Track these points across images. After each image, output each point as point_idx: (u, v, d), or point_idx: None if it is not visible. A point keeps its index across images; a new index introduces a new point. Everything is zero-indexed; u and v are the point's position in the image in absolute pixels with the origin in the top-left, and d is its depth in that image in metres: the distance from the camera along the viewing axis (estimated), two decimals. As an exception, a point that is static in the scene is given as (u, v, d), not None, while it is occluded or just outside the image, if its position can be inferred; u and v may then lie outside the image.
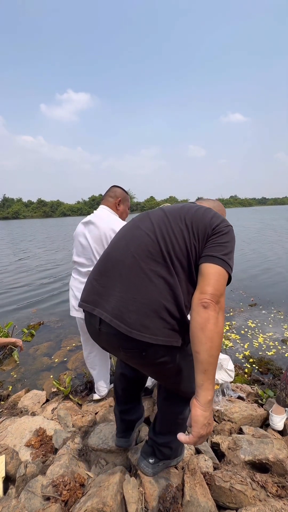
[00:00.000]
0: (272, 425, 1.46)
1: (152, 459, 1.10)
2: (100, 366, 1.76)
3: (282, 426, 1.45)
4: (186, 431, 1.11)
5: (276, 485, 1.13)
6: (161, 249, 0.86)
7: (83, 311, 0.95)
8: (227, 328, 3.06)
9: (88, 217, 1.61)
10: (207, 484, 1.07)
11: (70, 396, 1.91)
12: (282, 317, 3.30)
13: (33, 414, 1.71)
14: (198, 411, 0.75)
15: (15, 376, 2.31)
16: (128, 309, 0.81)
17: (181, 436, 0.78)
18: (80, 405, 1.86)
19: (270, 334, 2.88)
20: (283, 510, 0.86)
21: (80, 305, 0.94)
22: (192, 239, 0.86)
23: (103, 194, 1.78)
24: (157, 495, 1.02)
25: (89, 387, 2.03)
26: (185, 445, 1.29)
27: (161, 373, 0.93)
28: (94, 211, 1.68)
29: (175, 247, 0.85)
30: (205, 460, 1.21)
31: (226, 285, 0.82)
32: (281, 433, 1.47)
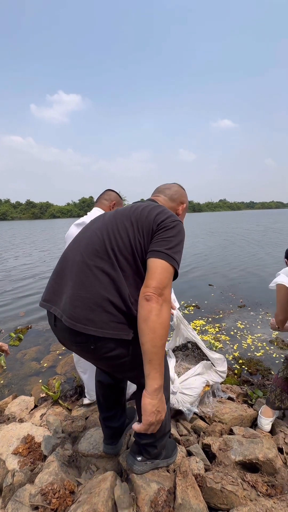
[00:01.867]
0: (260, 426, 1.48)
1: (139, 457, 1.11)
2: (91, 370, 1.73)
3: (270, 428, 1.47)
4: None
5: (266, 484, 1.15)
6: (105, 246, 0.89)
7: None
8: (217, 330, 3.09)
9: (82, 219, 1.59)
10: (199, 486, 1.07)
11: (60, 401, 1.87)
12: (269, 318, 3.37)
13: (21, 420, 1.66)
14: (146, 400, 0.78)
15: (1, 382, 2.24)
16: (74, 304, 0.84)
17: (134, 426, 0.81)
18: (70, 410, 1.83)
19: (259, 335, 2.94)
20: (273, 509, 0.87)
21: (40, 305, 0.97)
22: (136, 235, 0.89)
23: (96, 197, 1.78)
24: (149, 499, 1.01)
25: (79, 391, 2.00)
26: (178, 448, 1.29)
27: (117, 368, 0.94)
28: (88, 213, 1.67)
29: (119, 243, 0.89)
30: (197, 462, 1.21)
31: (172, 278, 0.85)
32: (271, 431, 1.49)
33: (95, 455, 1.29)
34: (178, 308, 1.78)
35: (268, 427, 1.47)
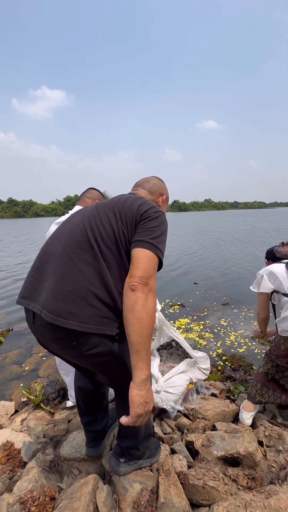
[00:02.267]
0: (242, 421, 1.51)
1: (122, 459, 1.10)
2: (73, 372, 1.70)
3: (251, 422, 1.51)
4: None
5: (246, 477, 1.17)
6: (88, 238, 0.87)
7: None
8: (201, 327, 3.14)
9: (63, 217, 1.55)
10: (181, 483, 1.07)
11: (42, 405, 1.82)
12: (252, 315, 3.47)
13: (0, 427, 1.60)
14: (134, 391, 0.77)
15: (-20, 387, 2.14)
16: (56, 298, 0.81)
17: (122, 420, 0.79)
18: (52, 414, 1.78)
19: (241, 331, 3.01)
20: (252, 502, 0.89)
21: (17, 302, 0.93)
22: (120, 225, 0.88)
23: (79, 195, 1.74)
24: (132, 500, 1.00)
25: (62, 394, 1.95)
26: (161, 447, 1.29)
27: (100, 366, 0.91)
28: (69, 211, 1.63)
29: (102, 234, 0.87)
30: (180, 460, 1.21)
31: (156, 268, 0.84)
32: (252, 425, 1.53)
33: (77, 458, 1.27)
34: (160, 310, 1.78)
35: (249, 421, 1.51)
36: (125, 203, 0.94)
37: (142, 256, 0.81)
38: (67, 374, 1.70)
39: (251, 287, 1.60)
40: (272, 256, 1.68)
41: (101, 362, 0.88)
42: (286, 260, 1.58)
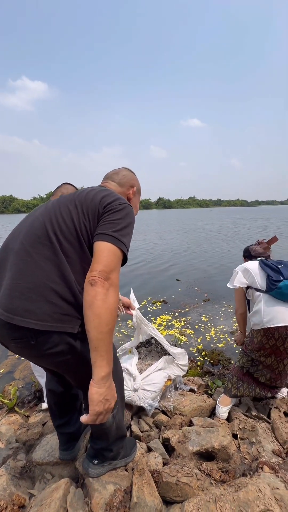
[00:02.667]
0: (218, 415, 1.54)
1: (95, 460, 1.07)
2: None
3: (226, 416, 1.54)
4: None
5: (220, 470, 1.19)
6: (47, 232, 0.84)
7: None
8: (182, 324, 3.17)
9: None
10: (155, 481, 1.07)
11: (16, 408, 1.75)
12: (231, 310, 3.55)
13: None
14: (93, 389, 0.75)
15: None
16: (12, 296, 0.78)
17: (82, 418, 0.77)
18: (27, 417, 1.72)
19: (221, 327, 3.08)
20: (222, 496, 0.90)
21: None
22: (81, 218, 0.85)
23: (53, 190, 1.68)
24: (104, 502, 0.98)
25: (38, 396, 1.89)
26: (137, 445, 1.28)
27: (63, 366, 0.88)
28: None
29: (62, 227, 0.84)
30: (155, 458, 1.21)
31: (119, 262, 0.81)
32: (228, 419, 1.56)
33: (50, 462, 1.23)
34: (138, 309, 1.76)
35: (225, 415, 1.54)
36: (88, 195, 0.90)
37: (103, 250, 0.78)
38: (42, 376, 1.64)
39: (228, 284, 1.64)
40: (248, 255, 1.74)
41: (63, 361, 0.84)
42: (260, 258, 1.63)
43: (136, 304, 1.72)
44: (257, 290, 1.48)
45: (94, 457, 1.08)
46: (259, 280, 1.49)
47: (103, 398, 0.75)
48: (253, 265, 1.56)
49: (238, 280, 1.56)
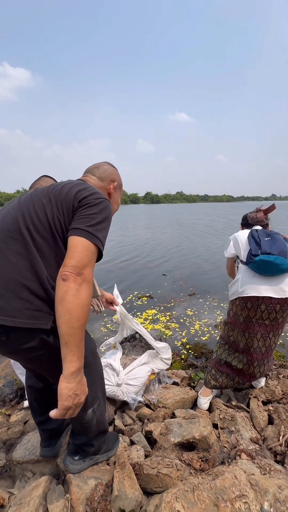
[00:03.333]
0: (199, 406, 1.58)
1: (76, 456, 1.07)
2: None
3: (207, 406, 1.58)
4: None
5: (200, 460, 1.23)
6: (19, 226, 0.82)
7: None
8: (168, 318, 3.20)
9: None
10: (136, 474, 1.08)
11: (-4, 407, 1.71)
12: (216, 304, 3.63)
13: None
14: (62, 384, 0.75)
15: None
16: None
17: (51, 413, 0.77)
18: (8, 416, 1.69)
19: (206, 320, 3.14)
20: (199, 485, 0.92)
21: None
22: (55, 212, 0.83)
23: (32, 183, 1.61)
24: (85, 497, 0.98)
25: (20, 394, 1.86)
26: (120, 439, 1.29)
27: (35, 361, 0.88)
28: None
29: (34, 221, 0.82)
30: (137, 451, 1.22)
31: (94, 258, 0.81)
32: (209, 409, 1.60)
33: (31, 460, 1.21)
34: (123, 304, 1.75)
35: (206, 405, 1.58)
36: (63, 189, 0.88)
37: (76, 245, 0.77)
38: (24, 373, 1.61)
39: (225, 253, 1.66)
40: (246, 222, 1.71)
41: (36, 357, 0.84)
42: (257, 227, 1.62)
43: (119, 300, 1.71)
44: (241, 261, 1.50)
45: (75, 453, 1.08)
46: (243, 252, 1.50)
47: (72, 393, 0.75)
48: (243, 235, 1.55)
49: (228, 252, 1.60)
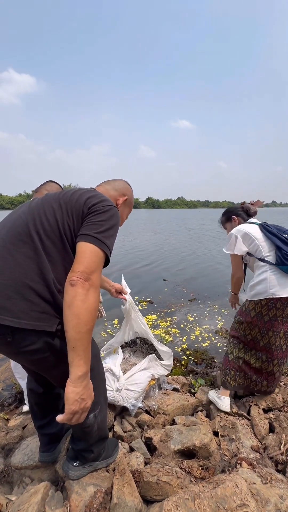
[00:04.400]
0: (223, 407, 1.54)
1: (76, 462, 1.06)
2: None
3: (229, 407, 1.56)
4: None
5: (200, 468, 1.21)
6: (29, 230, 0.84)
7: None
8: (168, 323, 3.19)
9: None
10: (136, 481, 1.07)
11: (-5, 411, 1.70)
12: (216, 310, 3.62)
13: None
14: (69, 388, 0.75)
15: None
16: None
17: (58, 417, 0.78)
18: (7, 420, 1.67)
19: (206, 326, 3.13)
20: (200, 493, 0.91)
21: None
22: (65, 218, 0.85)
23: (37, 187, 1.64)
24: (84, 504, 0.97)
25: (19, 398, 1.84)
26: (119, 445, 1.27)
27: (39, 364, 0.88)
28: None
29: (45, 226, 0.84)
30: (137, 457, 1.21)
31: (101, 263, 0.82)
32: (209, 416, 1.59)
33: (29, 466, 1.20)
34: (130, 293, 1.79)
35: (229, 407, 1.54)
36: (73, 195, 0.90)
37: (85, 251, 0.79)
38: (23, 378, 1.60)
39: (224, 249, 1.58)
40: (243, 214, 1.64)
41: (40, 359, 0.84)
42: (256, 221, 1.58)
43: (127, 289, 1.77)
44: (262, 260, 1.44)
45: (75, 459, 1.07)
46: (266, 250, 1.43)
47: (79, 397, 0.75)
48: (255, 230, 1.48)
49: (239, 248, 1.48)
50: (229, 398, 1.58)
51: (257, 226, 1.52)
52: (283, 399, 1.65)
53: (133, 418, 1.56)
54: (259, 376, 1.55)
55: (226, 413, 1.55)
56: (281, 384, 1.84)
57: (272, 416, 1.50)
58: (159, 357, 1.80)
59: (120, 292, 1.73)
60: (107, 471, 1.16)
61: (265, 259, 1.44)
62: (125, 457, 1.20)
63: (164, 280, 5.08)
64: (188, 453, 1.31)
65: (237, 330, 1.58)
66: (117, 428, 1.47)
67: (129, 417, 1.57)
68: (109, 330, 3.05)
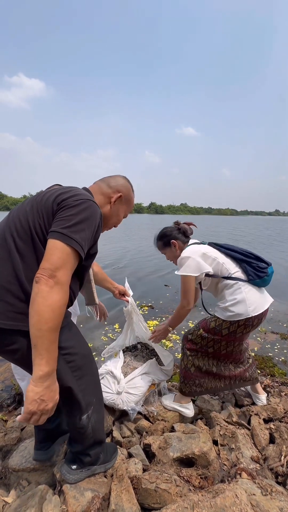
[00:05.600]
0: (187, 414, 1.57)
1: (74, 465, 1.06)
2: (29, 376, 1.61)
3: (193, 412, 1.58)
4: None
5: (199, 477, 1.20)
6: (4, 233, 0.87)
7: None
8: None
9: None
10: (134, 488, 1.06)
11: (-7, 412, 1.69)
12: (217, 317, 3.60)
13: None
14: (29, 387, 0.75)
15: None
16: None
17: (18, 417, 0.77)
18: (5, 421, 1.66)
19: (207, 333, 3.10)
20: (199, 502, 0.90)
21: None
22: (36, 218, 0.85)
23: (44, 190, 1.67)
24: (81, 510, 0.96)
25: (18, 399, 1.84)
26: (118, 451, 1.26)
27: (22, 363, 0.89)
28: None
29: (17, 228, 0.86)
30: (135, 464, 1.20)
31: (69, 260, 0.78)
32: (209, 425, 1.57)
33: (27, 469, 1.19)
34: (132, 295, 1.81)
35: (192, 412, 1.58)
36: (45, 195, 0.90)
37: (51, 247, 0.78)
38: (23, 379, 1.60)
39: (179, 272, 1.41)
40: (183, 235, 1.55)
41: (21, 359, 0.85)
42: (197, 241, 1.54)
43: (130, 292, 1.78)
44: (231, 278, 1.38)
45: (73, 462, 1.07)
46: (231, 267, 1.39)
47: (38, 398, 0.74)
48: (210, 250, 1.44)
49: (203, 267, 1.35)
50: (191, 402, 1.60)
51: (208, 246, 1.47)
52: (284, 409, 1.63)
53: (132, 424, 1.55)
54: (222, 378, 1.55)
55: (226, 421, 1.54)
56: (282, 394, 1.82)
57: (272, 426, 1.48)
58: (160, 362, 1.79)
59: (123, 294, 1.74)
60: (105, 476, 1.15)
61: (233, 276, 1.38)
62: (124, 463, 1.19)
63: (165, 285, 5.07)
64: (187, 461, 1.29)
65: (196, 343, 1.50)
66: (116, 434, 1.46)
67: (128, 423, 1.55)
68: (110, 334, 3.04)
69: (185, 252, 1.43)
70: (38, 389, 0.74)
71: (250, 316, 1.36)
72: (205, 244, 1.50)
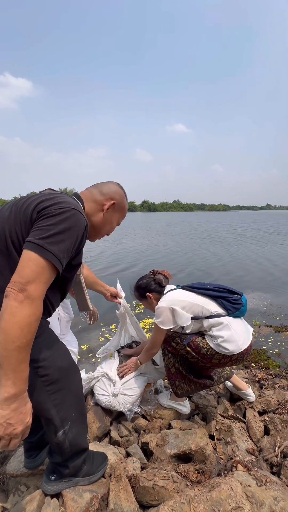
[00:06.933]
0: (184, 411, 1.59)
1: (52, 476, 1.03)
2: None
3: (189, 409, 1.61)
4: None
5: (196, 472, 1.22)
6: None
7: None
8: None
9: None
10: (133, 486, 1.07)
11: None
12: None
13: None
14: None
15: None
16: None
17: None
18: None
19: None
20: (196, 497, 0.92)
21: None
22: (12, 226, 0.80)
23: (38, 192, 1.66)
24: (80, 511, 0.97)
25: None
26: (107, 461, 1.19)
27: None
28: None
29: None
30: (133, 463, 1.21)
31: (43, 272, 0.72)
32: (206, 420, 1.60)
33: (25, 474, 1.19)
34: (125, 297, 1.81)
35: (188, 408, 1.60)
36: (27, 201, 0.85)
37: (23, 259, 0.72)
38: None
39: (162, 326, 1.41)
40: (157, 285, 1.57)
41: None
42: (172, 286, 1.54)
43: (122, 293, 1.78)
44: (212, 317, 1.38)
45: (52, 473, 1.05)
46: (211, 306, 1.40)
47: (4, 421, 0.68)
48: (185, 294, 1.44)
49: (185, 319, 1.37)
50: (187, 399, 1.62)
51: (181, 290, 1.48)
52: (277, 401, 1.67)
53: (129, 423, 1.56)
54: (203, 377, 1.54)
55: (222, 416, 1.57)
56: (276, 386, 1.86)
57: (267, 418, 1.52)
58: (154, 362, 1.80)
59: (115, 296, 1.74)
60: (104, 477, 1.16)
61: (216, 313, 1.38)
62: (122, 462, 1.20)
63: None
64: (184, 457, 1.31)
65: (178, 350, 1.47)
66: (114, 433, 1.47)
67: (126, 422, 1.57)
68: (107, 335, 3.04)
69: (162, 303, 1.44)
70: (4, 412, 0.68)
71: (242, 350, 1.35)
72: (179, 288, 1.50)
